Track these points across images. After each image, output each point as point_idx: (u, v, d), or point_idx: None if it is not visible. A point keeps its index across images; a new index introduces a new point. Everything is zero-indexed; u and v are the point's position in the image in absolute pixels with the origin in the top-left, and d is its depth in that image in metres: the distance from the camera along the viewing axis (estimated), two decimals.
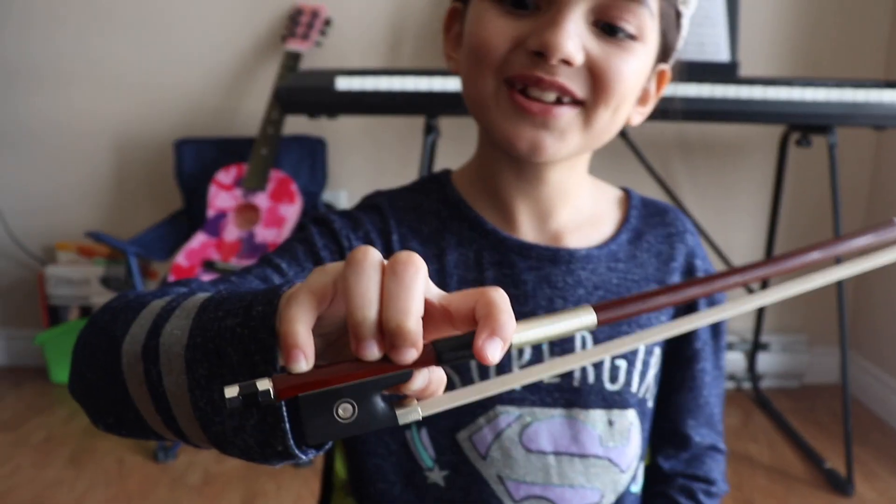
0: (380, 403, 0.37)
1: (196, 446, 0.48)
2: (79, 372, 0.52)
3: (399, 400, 0.38)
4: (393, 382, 0.37)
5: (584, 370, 0.71)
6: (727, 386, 2.46)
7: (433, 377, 0.39)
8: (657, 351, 0.76)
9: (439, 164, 1.87)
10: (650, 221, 0.79)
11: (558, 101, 0.63)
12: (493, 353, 0.36)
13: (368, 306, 0.36)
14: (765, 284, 1.87)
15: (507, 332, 0.36)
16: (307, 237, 0.71)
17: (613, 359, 0.72)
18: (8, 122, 2.36)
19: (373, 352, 0.36)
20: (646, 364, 0.74)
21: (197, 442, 0.47)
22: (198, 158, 2.21)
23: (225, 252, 2.00)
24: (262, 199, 2.04)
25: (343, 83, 1.68)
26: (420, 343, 0.36)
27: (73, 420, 2.15)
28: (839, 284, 1.93)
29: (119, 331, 0.49)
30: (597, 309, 0.39)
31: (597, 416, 0.72)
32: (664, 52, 0.69)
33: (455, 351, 0.37)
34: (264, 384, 0.36)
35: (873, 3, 2.28)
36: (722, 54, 1.83)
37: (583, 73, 0.62)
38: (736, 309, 0.43)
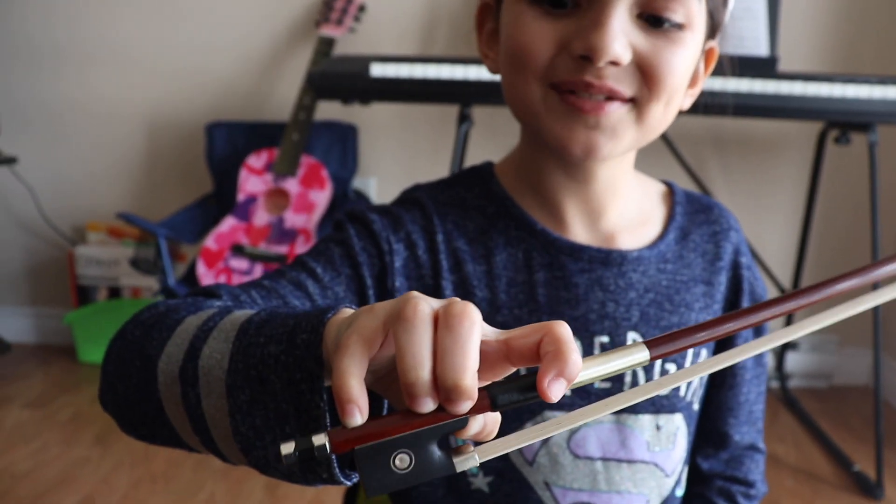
0: (436, 452, 0.36)
1: (234, 464, 0.48)
2: (110, 384, 0.51)
3: (456, 448, 0.38)
4: (448, 430, 0.36)
5: (634, 375, 0.70)
6: None
7: (488, 419, 0.38)
8: (704, 353, 0.74)
9: (472, 154, 1.87)
10: (695, 219, 0.77)
11: (607, 99, 0.61)
12: (558, 392, 0.35)
13: (421, 366, 0.35)
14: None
15: (575, 371, 0.36)
16: (345, 238, 0.68)
17: (664, 363, 0.71)
18: (42, 103, 2.38)
19: (427, 406, 0.36)
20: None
21: (235, 462, 0.46)
22: (229, 142, 2.21)
23: (254, 236, 2.01)
24: (292, 185, 2.04)
25: (377, 69, 1.67)
26: (475, 395, 0.35)
27: None
28: (873, 285, 1.89)
29: (153, 349, 0.49)
30: (649, 345, 0.39)
31: (645, 421, 0.71)
32: (712, 31, 0.66)
33: (510, 394, 0.36)
34: (320, 439, 0.35)
35: None
36: (761, 48, 1.79)
37: (631, 71, 0.60)
38: (779, 339, 0.42)
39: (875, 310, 1.87)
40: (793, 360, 2.43)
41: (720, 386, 0.78)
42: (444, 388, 0.35)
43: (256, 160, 2.08)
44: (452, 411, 0.35)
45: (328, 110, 2.18)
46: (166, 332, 0.49)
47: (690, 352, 0.72)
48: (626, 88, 0.60)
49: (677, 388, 0.72)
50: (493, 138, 2.12)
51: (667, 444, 0.72)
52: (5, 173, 2.38)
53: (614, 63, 0.58)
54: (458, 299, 0.37)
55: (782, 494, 1.84)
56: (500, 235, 0.71)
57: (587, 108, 0.60)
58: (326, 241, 0.69)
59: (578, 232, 0.72)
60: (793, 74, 1.74)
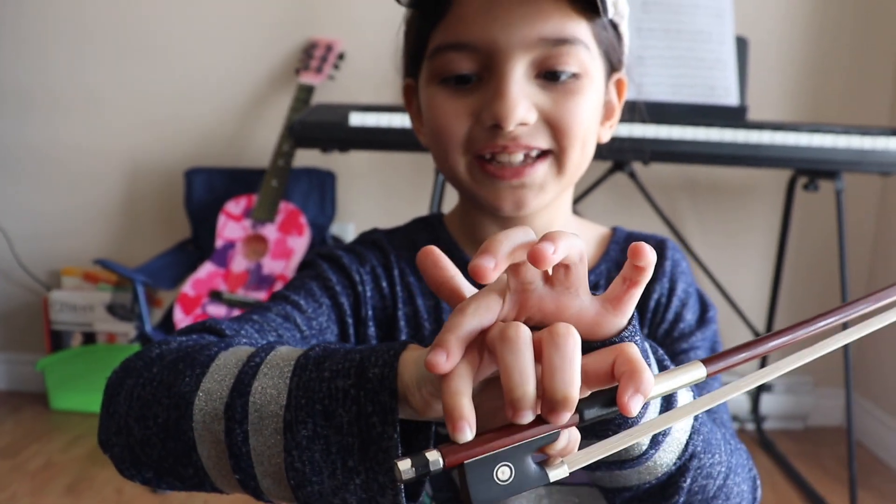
0: (532, 464, 0.39)
1: (268, 502, 0.48)
2: (121, 425, 0.50)
3: (546, 460, 0.41)
4: (543, 443, 0.39)
5: None
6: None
7: (571, 435, 0.41)
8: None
9: (449, 201, 1.88)
10: None
11: (526, 157, 0.65)
12: (637, 406, 0.38)
13: (527, 382, 0.38)
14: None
15: (649, 387, 0.39)
16: (319, 273, 0.72)
17: None
18: (20, 147, 2.37)
19: (528, 419, 0.38)
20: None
21: (274, 499, 0.47)
22: (208, 188, 2.22)
23: (232, 283, 2.00)
24: (270, 231, 2.05)
25: (356, 119, 1.69)
26: (575, 407, 0.39)
27: (73, 448, 2.13)
28: (844, 325, 1.93)
29: (186, 385, 0.49)
30: (705, 362, 0.43)
31: None
32: (613, 66, 0.70)
33: (595, 409, 0.40)
34: (434, 455, 0.38)
35: (879, 52, 2.31)
36: (731, 98, 1.85)
37: (541, 126, 0.65)
38: (749, 383, 0.45)
39: (846, 350, 1.90)
40: (768, 402, 2.46)
41: None
42: (552, 401, 0.38)
43: (235, 206, 2.08)
44: (556, 422, 0.38)
45: (307, 157, 2.19)
46: (199, 368, 0.49)
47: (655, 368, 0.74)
48: (541, 142, 0.65)
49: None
50: None
51: None
52: None
53: (523, 124, 0.63)
54: (562, 323, 0.40)
55: None
56: None
57: (507, 175, 0.65)
58: (302, 278, 0.73)
59: None
60: (762, 124, 1.79)
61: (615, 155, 1.81)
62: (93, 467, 2.02)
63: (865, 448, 2.36)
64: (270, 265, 2.02)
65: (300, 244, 2.04)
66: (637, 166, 2.03)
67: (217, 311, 1.96)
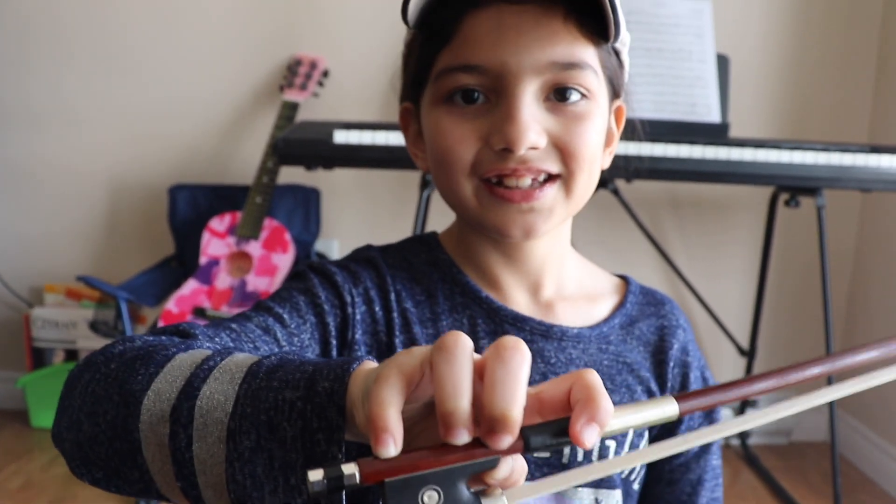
0: (465, 492, 0.36)
1: None
2: (73, 420, 0.49)
3: (484, 490, 0.37)
4: (480, 469, 0.36)
5: (573, 449, 0.70)
6: None
7: (516, 465, 0.38)
8: (647, 435, 0.75)
9: (433, 219, 1.89)
10: (645, 310, 0.79)
11: (534, 182, 0.64)
12: (591, 438, 0.35)
13: (461, 396, 0.35)
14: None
15: (607, 417, 0.36)
16: (309, 287, 0.69)
17: (603, 439, 0.72)
18: (1, 163, 2.36)
19: (463, 438, 0.35)
20: (634, 447, 0.74)
21: None
22: (192, 205, 2.21)
23: (216, 300, 1.99)
24: (254, 248, 2.04)
25: (340, 136, 1.70)
26: (518, 430, 0.36)
27: (53, 467, 2.11)
28: (827, 342, 1.94)
29: (138, 384, 0.47)
30: (678, 399, 0.39)
31: (584, 494, 0.71)
32: (615, 92, 0.71)
33: (543, 437, 0.36)
34: (350, 468, 0.35)
35: (858, 70, 2.34)
36: (713, 115, 1.87)
37: (550, 150, 0.64)
38: (749, 422, 0.43)
39: None
40: None
41: (658, 480, 0.79)
42: (490, 419, 0.35)
43: (219, 223, 2.08)
44: (492, 445, 0.35)
45: (291, 173, 2.19)
46: (154, 367, 0.47)
47: (631, 432, 0.73)
48: (551, 165, 0.64)
49: None
50: None
51: None
52: None
53: (534, 148, 0.63)
54: (510, 336, 0.38)
55: None
56: (446, 301, 0.73)
57: (517, 198, 0.64)
58: (289, 289, 0.70)
59: (519, 301, 0.74)
60: (743, 141, 1.81)
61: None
62: (73, 487, 2.00)
63: (849, 463, 2.37)
64: (255, 282, 2.02)
65: (285, 261, 2.04)
66: (620, 183, 2.04)
67: None
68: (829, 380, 1.85)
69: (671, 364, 0.77)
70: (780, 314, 2.46)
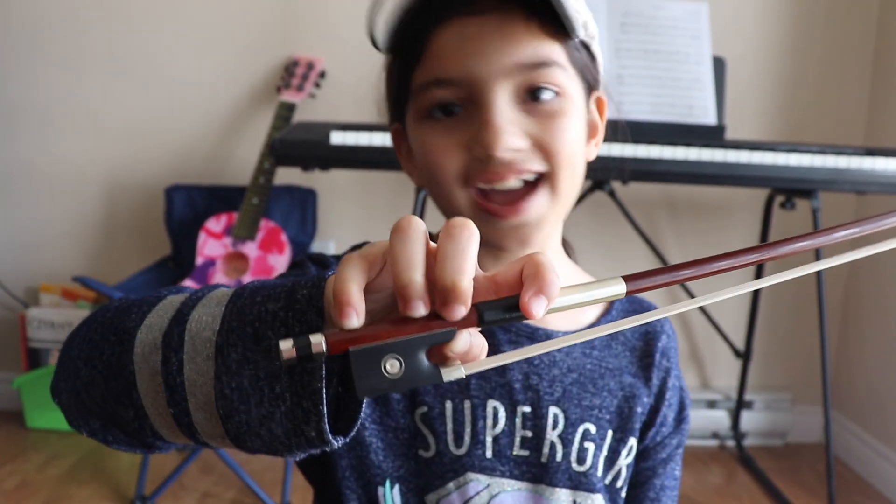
0: (425, 361, 0.38)
1: (203, 444, 0.47)
2: (70, 370, 0.51)
3: (443, 360, 0.39)
4: (438, 340, 0.38)
5: (552, 448, 0.71)
6: (712, 444, 2.46)
7: (474, 342, 0.40)
8: (632, 441, 0.76)
9: (429, 220, 1.88)
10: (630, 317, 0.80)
11: (526, 183, 0.66)
12: (538, 308, 0.37)
13: (415, 268, 0.38)
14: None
15: (553, 290, 0.38)
16: (306, 274, 0.71)
17: (582, 440, 0.73)
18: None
19: (419, 310, 0.38)
20: (614, 451, 0.74)
21: (207, 438, 0.46)
22: (188, 205, 2.21)
23: None
24: (251, 249, 2.04)
25: (337, 137, 1.70)
26: (469, 301, 0.38)
27: (48, 467, 2.10)
28: (822, 344, 1.95)
29: (132, 321, 0.49)
30: (627, 279, 0.41)
31: (562, 496, 0.72)
32: (590, 85, 0.72)
33: (496, 311, 0.39)
34: (317, 338, 0.37)
35: (853, 72, 2.35)
36: (709, 117, 1.87)
37: (533, 150, 0.65)
38: (732, 292, 0.45)
39: (824, 368, 1.92)
40: (748, 419, 2.47)
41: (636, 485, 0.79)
42: (441, 289, 0.37)
43: (216, 224, 2.08)
44: (446, 315, 0.37)
45: (288, 174, 2.19)
46: (146, 307, 0.49)
47: (609, 437, 0.74)
48: (536, 164, 0.65)
49: (594, 467, 0.73)
50: None
51: None
52: None
53: (516, 150, 0.64)
54: (459, 217, 0.40)
55: None
56: None
57: (507, 214, 0.66)
58: (287, 277, 0.71)
59: None
60: (739, 143, 1.81)
61: (595, 174, 1.83)
62: (69, 487, 1.99)
63: (844, 464, 2.38)
64: None
65: (281, 262, 2.04)
66: (616, 185, 2.04)
67: None
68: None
69: (655, 368, 0.78)
70: (776, 316, 2.47)
